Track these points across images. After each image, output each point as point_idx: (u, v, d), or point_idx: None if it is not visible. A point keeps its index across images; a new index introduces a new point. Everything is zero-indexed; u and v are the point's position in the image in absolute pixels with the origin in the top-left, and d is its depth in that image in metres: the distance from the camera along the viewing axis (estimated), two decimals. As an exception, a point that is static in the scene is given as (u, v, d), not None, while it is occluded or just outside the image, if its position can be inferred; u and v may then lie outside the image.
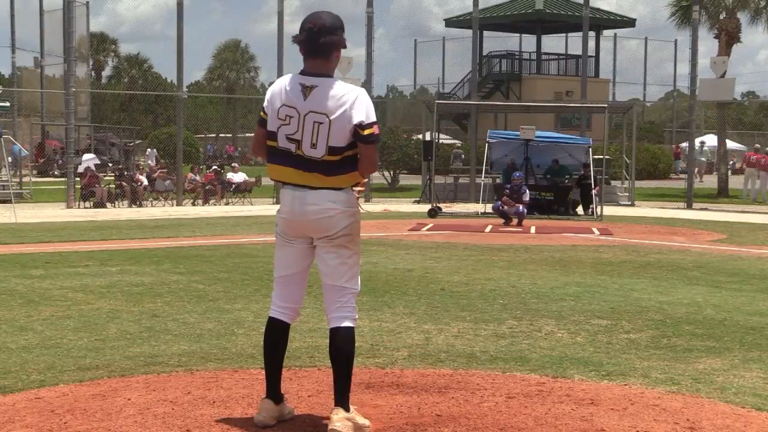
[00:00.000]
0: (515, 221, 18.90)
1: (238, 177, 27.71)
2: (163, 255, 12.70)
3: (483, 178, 24.07)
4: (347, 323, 4.50)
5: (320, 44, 4.30)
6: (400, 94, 57.34)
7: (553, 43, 48.02)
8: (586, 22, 31.23)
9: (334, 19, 4.36)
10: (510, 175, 22.03)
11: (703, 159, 42.09)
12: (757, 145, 35.99)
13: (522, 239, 15.89)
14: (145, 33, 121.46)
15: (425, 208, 22.65)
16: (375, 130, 4.33)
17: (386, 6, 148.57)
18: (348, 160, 4.36)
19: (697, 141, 43.25)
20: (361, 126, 4.29)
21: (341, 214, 4.39)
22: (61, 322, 7.52)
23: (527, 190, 19.75)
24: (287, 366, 5.96)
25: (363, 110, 4.30)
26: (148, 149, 47.00)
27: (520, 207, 19.08)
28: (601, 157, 23.86)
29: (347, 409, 4.45)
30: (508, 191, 19.74)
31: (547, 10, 41.97)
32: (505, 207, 19.25)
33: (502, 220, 19.25)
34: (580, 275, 10.88)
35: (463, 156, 37.59)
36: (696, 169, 42.65)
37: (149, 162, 39.71)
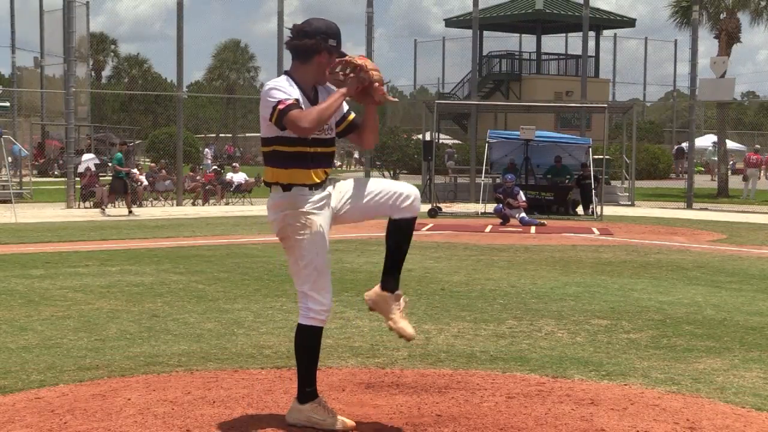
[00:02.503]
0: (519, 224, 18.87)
1: (238, 177, 27.71)
2: (163, 255, 12.70)
3: (483, 178, 24.07)
4: (299, 321, 4.58)
5: (291, 46, 4.48)
6: (400, 94, 57.31)
7: (553, 43, 48.05)
8: (586, 22, 31.23)
9: (320, 24, 4.47)
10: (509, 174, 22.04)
11: (715, 158, 42.24)
12: (757, 146, 36.07)
13: (522, 239, 15.89)
14: (144, 33, 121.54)
15: (425, 208, 22.63)
16: (278, 107, 4.29)
17: (386, 6, 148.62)
18: (272, 154, 4.46)
19: (709, 140, 43.36)
20: (271, 119, 4.34)
21: (272, 214, 4.53)
22: (61, 322, 7.52)
23: (520, 191, 19.66)
24: (288, 366, 5.98)
25: (264, 104, 4.37)
26: (206, 149, 46.87)
27: (525, 217, 19.00)
28: (601, 157, 23.86)
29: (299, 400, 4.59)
30: (501, 195, 19.70)
31: (547, 10, 41.98)
32: (507, 210, 19.20)
33: (500, 220, 19.26)
34: (580, 275, 10.88)
35: (455, 155, 37.60)
36: (714, 169, 42.89)
37: (208, 161, 39.53)
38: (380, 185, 4.58)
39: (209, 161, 40.34)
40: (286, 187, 4.44)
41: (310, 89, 4.49)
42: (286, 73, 4.51)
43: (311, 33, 4.42)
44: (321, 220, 4.47)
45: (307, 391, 4.57)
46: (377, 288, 4.62)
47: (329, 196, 4.54)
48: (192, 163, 34.63)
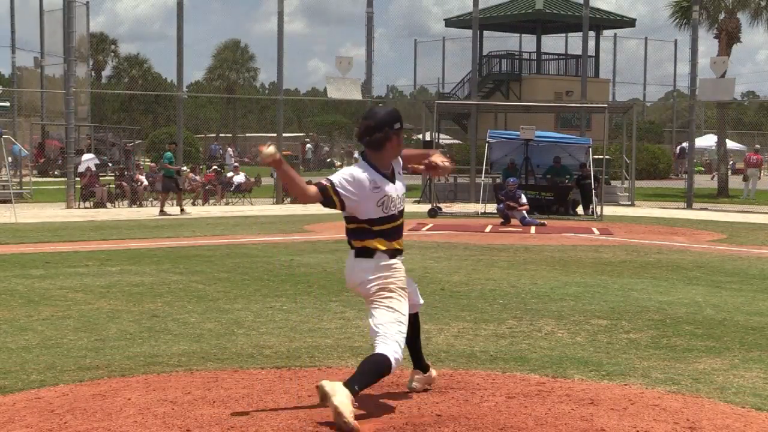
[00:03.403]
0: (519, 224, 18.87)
1: (238, 177, 27.71)
2: (163, 255, 12.70)
3: (483, 178, 24.06)
4: (387, 354, 4.90)
5: (366, 143, 5.04)
6: (400, 94, 57.37)
7: (553, 43, 47.96)
8: (586, 22, 31.22)
9: (383, 114, 5.11)
10: (510, 175, 22.02)
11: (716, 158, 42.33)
12: (757, 146, 36.10)
13: (522, 239, 15.89)
14: (144, 33, 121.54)
15: (425, 208, 22.65)
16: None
17: (385, 6, 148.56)
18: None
19: (710, 141, 43.34)
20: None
21: None
22: (61, 322, 7.52)
23: (522, 194, 19.67)
24: (287, 366, 5.98)
25: None
26: (230, 148, 46.59)
27: (526, 217, 19.00)
28: (601, 157, 23.85)
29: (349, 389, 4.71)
30: (503, 197, 19.69)
31: (547, 10, 41.95)
32: (508, 211, 19.21)
33: (500, 220, 19.26)
34: (580, 275, 10.88)
35: (447, 155, 37.41)
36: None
37: (233, 164, 39.30)
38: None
39: (233, 161, 40.06)
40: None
41: (387, 167, 5.11)
42: (364, 158, 5.08)
43: (379, 126, 5.01)
44: None
45: (356, 389, 4.65)
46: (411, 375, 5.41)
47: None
48: (192, 163, 34.64)
